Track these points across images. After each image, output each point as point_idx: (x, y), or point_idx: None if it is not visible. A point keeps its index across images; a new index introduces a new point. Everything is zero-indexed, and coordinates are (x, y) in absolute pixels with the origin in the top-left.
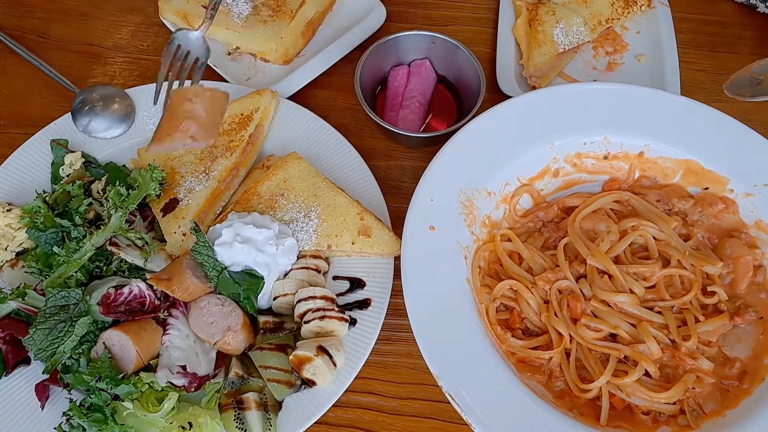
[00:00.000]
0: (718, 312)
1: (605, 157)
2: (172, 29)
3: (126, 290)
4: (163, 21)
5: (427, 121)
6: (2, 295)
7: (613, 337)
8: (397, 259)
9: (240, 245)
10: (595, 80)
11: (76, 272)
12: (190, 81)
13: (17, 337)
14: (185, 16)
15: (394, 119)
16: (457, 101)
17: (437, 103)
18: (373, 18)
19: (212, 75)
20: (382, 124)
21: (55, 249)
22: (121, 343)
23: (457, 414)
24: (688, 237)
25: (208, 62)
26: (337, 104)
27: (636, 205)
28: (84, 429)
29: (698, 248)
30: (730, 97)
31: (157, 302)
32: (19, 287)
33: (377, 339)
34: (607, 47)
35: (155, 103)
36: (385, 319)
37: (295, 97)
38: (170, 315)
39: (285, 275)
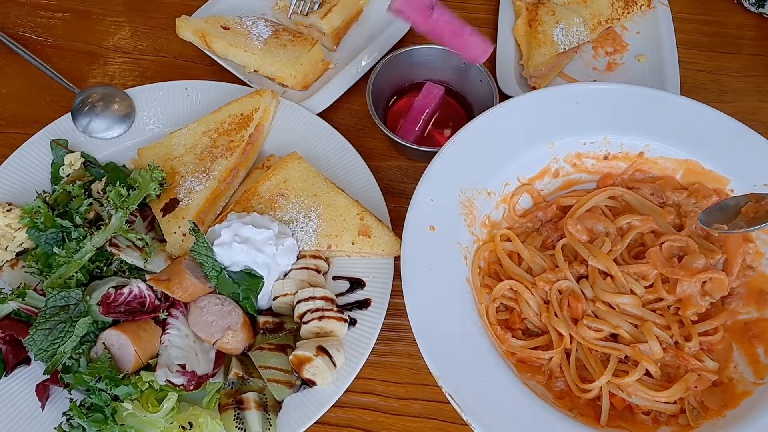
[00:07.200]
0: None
1: (605, 158)
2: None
3: (126, 290)
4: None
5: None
6: (2, 296)
7: (613, 337)
8: (397, 259)
9: (239, 245)
10: (595, 80)
11: (76, 272)
12: None
13: (17, 337)
14: (203, 35)
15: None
16: (469, 117)
17: (448, 118)
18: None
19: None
20: (391, 136)
21: (56, 249)
22: (119, 342)
23: (457, 414)
24: (681, 227)
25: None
26: (337, 104)
27: (630, 200)
28: (84, 429)
29: (689, 237)
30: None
31: (157, 302)
32: (19, 287)
33: (377, 339)
34: (607, 47)
35: None
36: (385, 319)
37: None
38: (170, 315)
39: (285, 275)
